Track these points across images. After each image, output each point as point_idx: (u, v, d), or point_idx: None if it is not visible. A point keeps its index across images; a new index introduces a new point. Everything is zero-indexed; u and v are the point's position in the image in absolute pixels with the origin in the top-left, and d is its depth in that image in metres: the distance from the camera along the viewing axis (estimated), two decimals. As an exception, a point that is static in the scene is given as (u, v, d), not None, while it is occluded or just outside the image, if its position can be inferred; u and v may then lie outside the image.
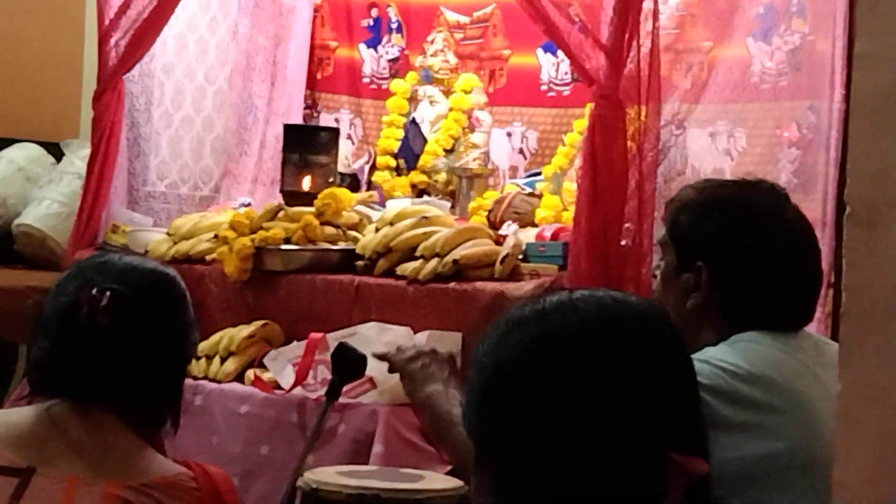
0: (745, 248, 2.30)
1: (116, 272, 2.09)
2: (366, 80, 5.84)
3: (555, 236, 4.40)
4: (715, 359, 2.17)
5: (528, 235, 4.48)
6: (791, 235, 2.34)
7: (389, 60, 5.77)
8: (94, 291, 2.04)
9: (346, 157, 5.60)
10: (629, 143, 4.15)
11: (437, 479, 2.99)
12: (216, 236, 4.77)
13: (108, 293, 2.04)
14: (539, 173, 5.08)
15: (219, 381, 4.46)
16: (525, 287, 4.13)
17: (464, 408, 1.47)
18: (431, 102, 5.39)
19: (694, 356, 2.17)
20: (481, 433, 1.43)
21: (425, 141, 5.31)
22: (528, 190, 4.96)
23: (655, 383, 1.41)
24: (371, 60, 5.82)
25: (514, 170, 5.35)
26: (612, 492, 1.35)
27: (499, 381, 1.41)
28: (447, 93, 5.39)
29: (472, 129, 5.30)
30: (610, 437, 1.37)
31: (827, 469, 2.08)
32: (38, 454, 1.98)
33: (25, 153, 5.95)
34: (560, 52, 4.98)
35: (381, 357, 2.95)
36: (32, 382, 2.10)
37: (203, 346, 4.56)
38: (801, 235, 2.36)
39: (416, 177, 5.31)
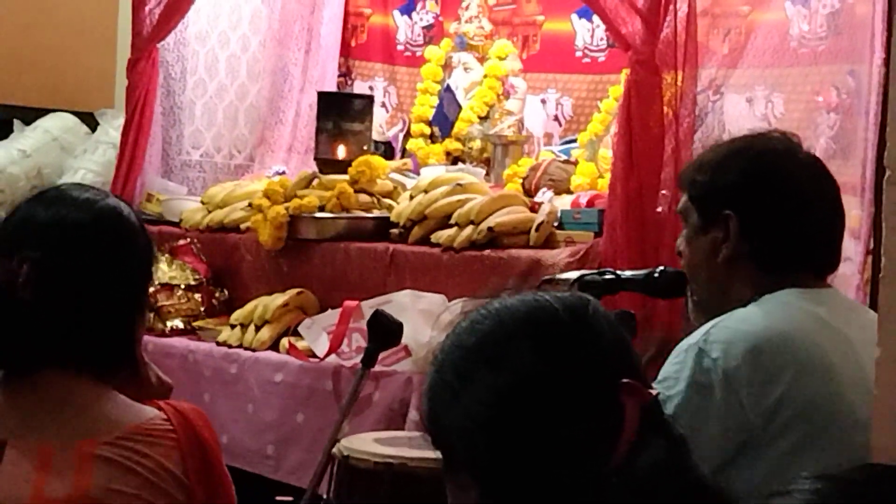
0: (768, 188, 2.32)
1: (38, 233, 1.94)
2: (400, 47, 5.81)
3: (590, 203, 4.37)
4: (732, 341, 2.16)
5: (564, 202, 4.46)
6: (809, 172, 2.36)
7: (423, 27, 5.73)
8: (14, 263, 1.90)
9: (381, 124, 5.58)
10: (665, 108, 4.11)
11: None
12: (250, 205, 4.77)
13: (25, 266, 1.90)
14: (574, 140, 5.05)
15: (254, 350, 4.46)
16: (560, 254, 4.11)
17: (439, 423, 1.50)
18: (466, 69, 5.36)
19: (716, 333, 2.17)
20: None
21: (460, 108, 5.28)
22: (564, 157, 4.93)
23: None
24: (405, 27, 5.79)
25: (548, 137, 5.31)
26: (578, 427, 1.41)
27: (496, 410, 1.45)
28: (482, 59, 5.36)
29: (506, 95, 5.27)
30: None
31: (849, 430, 2.08)
32: (2, 427, 1.90)
33: (60, 123, 5.97)
34: (595, 18, 4.94)
35: None
36: None
37: (238, 315, 4.57)
38: (818, 172, 2.39)
39: (451, 144, 5.28)
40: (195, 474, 1.93)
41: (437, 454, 1.51)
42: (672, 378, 2.15)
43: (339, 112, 5.12)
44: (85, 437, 1.89)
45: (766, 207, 2.31)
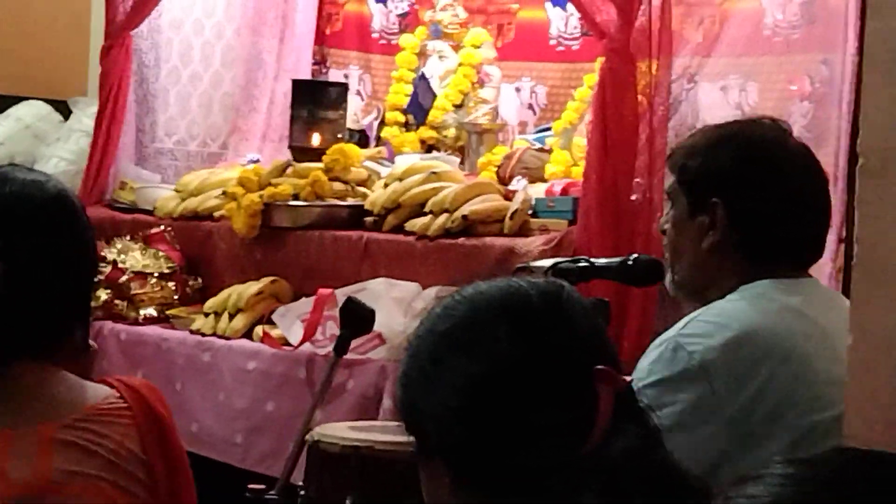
0: (758, 177, 2.31)
1: None
2: (375, 35, 5.80)
3: (564, 191, 4.38)
4: (709, 335, 2.16)
5: (538, 191, 4.46)
6: (798, 161, 2.36)
7: (398, 15, 5.72)
8: None
9: (355, 112, 5.56)
10: (640, 97, 4.12)
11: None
12: (224, 193, 4.76)
13: None
14: (549, 128, 5.05)
15: (227, 338, 4.45)
16: (534, 242, 4.11)
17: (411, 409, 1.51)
18: (440, 57, 5.35)
19: (693, 327, 2.17)
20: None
21: (434, 96, 5.28)
22: (538, 145, 4.93)
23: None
24: (380, 15, 5.78)
25: (523, 125, 5.31)
26: (552, 414, 1.41)
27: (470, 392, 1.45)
28: (456, 48, 5.35)
29: (481, 84, 5.27)
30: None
31: (827, 423, 2.08)
32: None
33: (33, 111, 5.93)
34: (569, 6, 4.94)
35: None
36: None
37: (211, 303, 4.56)
38: (807, 161, 2.39)
39: (425, 132, 5.28)
40: (153, 450, 1.94)
41: (407, 438, 1.51)
42: (648, 372, 2.15)
43: (314, 100, 5.11)
44: (43, 420, 1.89)
45: (754, 196, 2.30)
